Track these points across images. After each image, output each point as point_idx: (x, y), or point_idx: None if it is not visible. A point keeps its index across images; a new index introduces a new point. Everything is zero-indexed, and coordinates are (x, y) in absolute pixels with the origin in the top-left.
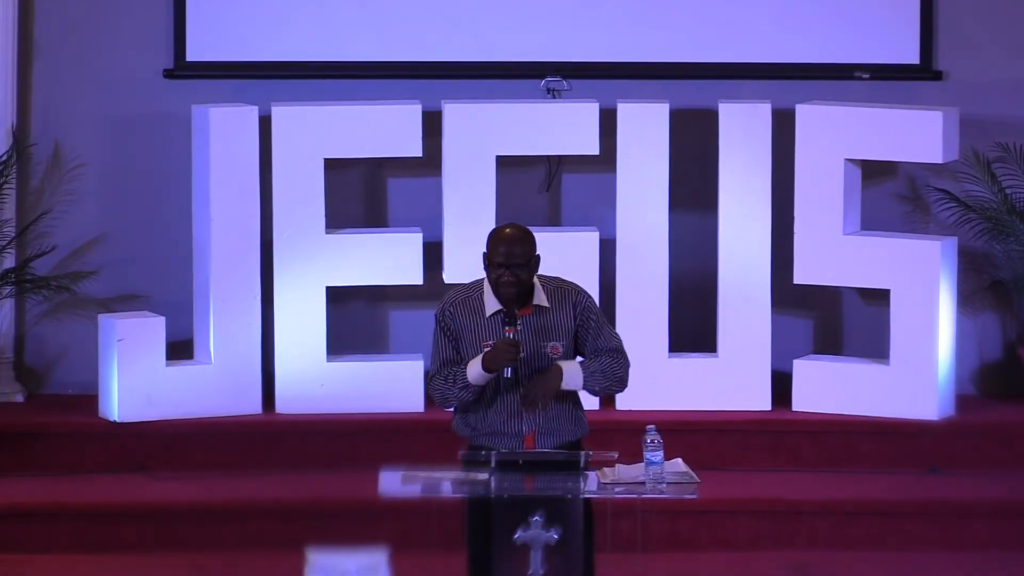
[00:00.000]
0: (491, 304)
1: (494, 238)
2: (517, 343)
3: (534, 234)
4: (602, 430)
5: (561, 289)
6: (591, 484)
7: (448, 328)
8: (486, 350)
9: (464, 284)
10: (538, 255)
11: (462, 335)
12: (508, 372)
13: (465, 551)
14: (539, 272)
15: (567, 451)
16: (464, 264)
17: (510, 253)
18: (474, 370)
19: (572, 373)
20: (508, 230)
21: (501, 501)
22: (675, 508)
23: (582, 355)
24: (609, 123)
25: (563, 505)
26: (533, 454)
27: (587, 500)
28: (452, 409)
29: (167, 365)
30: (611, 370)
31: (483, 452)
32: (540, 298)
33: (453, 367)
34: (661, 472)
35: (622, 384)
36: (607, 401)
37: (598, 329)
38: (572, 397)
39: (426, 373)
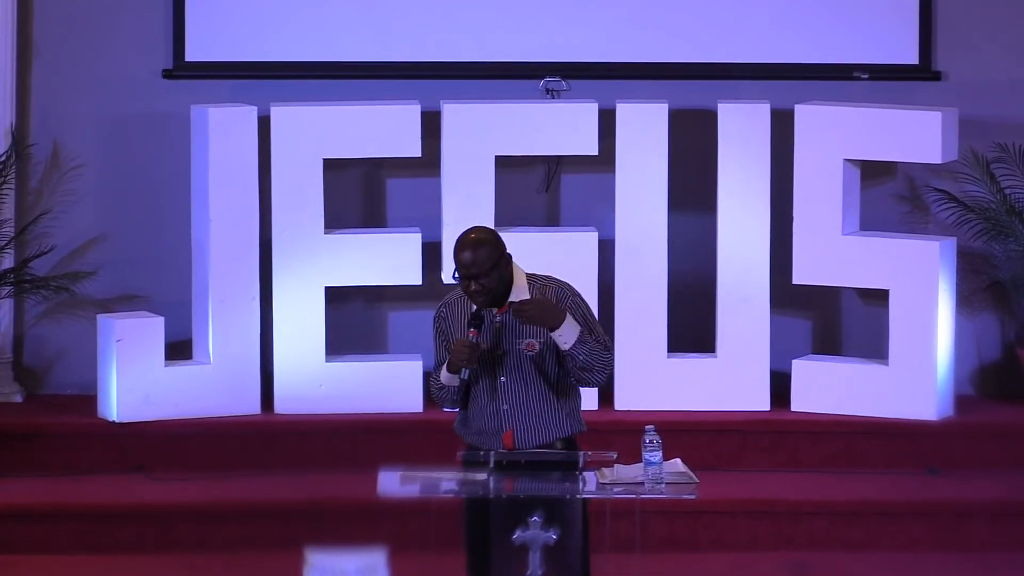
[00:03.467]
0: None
1: (456, 247)
2: (475, 344)
3: (499, 234)
4: (601, 430)
5: (545, 288)
6: (590, 485)
7: (441, 329)
8: None
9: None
10: (507, 255)
11: (452, 335)
12: (465, 373)
13: (464, 553)
14: (532, 271)
15: (567, 451)
16: None
17: (471, 262)
18: (443, 370)
19: (570, 325)
20: (472, 236)
21: (500, 502)
22: (674, 508)
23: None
24: (608, 123)
25: (561, 505)
26: (533, 454)
27: (584, 501)
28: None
29: (166, 365)
30: (599, 352)
31: (482, 452)
32: (521, 296)
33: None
34: (660, 472)
35: (600, 375)
36: (606, 401)
37: (583, 324)
38: (558, 394)
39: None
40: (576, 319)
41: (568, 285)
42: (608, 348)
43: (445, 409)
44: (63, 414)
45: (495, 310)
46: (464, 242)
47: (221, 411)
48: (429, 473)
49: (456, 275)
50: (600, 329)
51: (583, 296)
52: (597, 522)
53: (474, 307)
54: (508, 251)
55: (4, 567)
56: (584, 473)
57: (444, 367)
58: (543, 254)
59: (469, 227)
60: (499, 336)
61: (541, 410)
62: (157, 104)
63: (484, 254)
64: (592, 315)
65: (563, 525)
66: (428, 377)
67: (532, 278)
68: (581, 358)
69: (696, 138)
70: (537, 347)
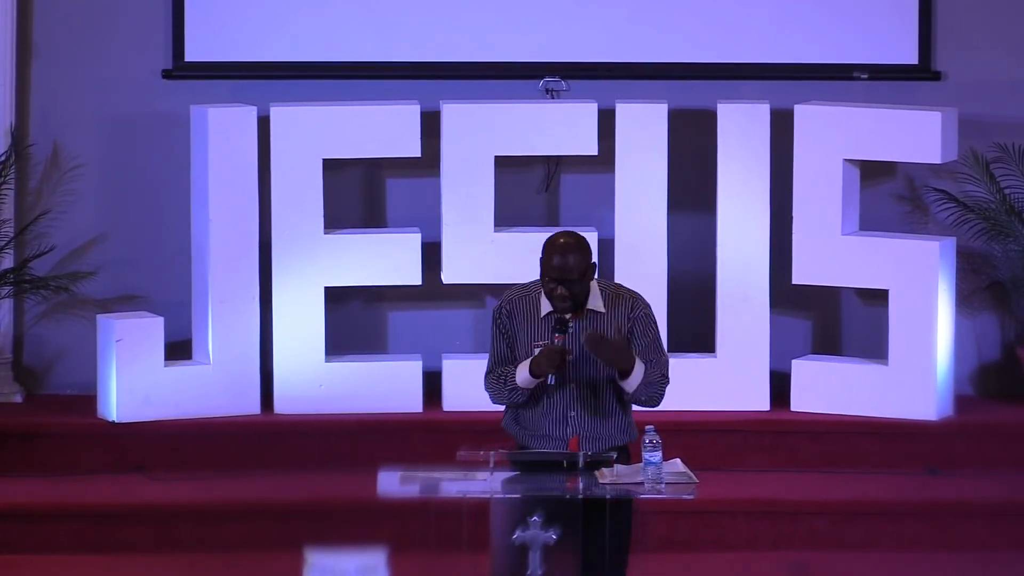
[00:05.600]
0: (547, 305)
1: (548, 249)
2: (563, 350)
3: (588, 242)
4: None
5: (619, 296)
6: (589, 484)
7: (504, 326)
8: (535, 354)
9: (523, 283)
10: (594, 263)
11: (517, 334)
12: (552, 379)
13: (492, 551)
14: (599, 279)
15: (565, 452)
16: (463, 264)
17: (563, 267)
18: (522, 374)
19: (639, 371)
20: (562, 240)
21: (503, 502)
22: (674, 508)
23: None
24: (607, 123)
25: (562, 505)
26: (532, 454)
27: (629, 501)
28: (503, 407)
29: (166, 365)
30: (659, 386)
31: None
32: (596, 303)
33: (506, 366)
34: (660, 472)
35: (656, 403)
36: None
37: (647, 340)
38: (621, 404)
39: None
40: (637, 328)
41: (636, 296)
42: (665, 375)
43: (498, 404)
44: (63, 414)
45: (568, 315)
46: (557, 246)
47: (221, 411)
48: (429, 473)
49: (542, 276)
50: (661, 348)
51: (650, 308)
52: (596, 523)
53: (546, 309)
54: (596, 264)
55: (4, 567)
56: (585, 472)
57: (522, 369)
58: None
59: (560, 231)
60: (573, 342)
61: (606, 418)
62: (157, 104)
63: (576, 260)
64: (658, 332)
65: (564, 525)
66: (486, 375)
67: (603, 285)
68: (643, 398)
69: (696, 138)
70: None
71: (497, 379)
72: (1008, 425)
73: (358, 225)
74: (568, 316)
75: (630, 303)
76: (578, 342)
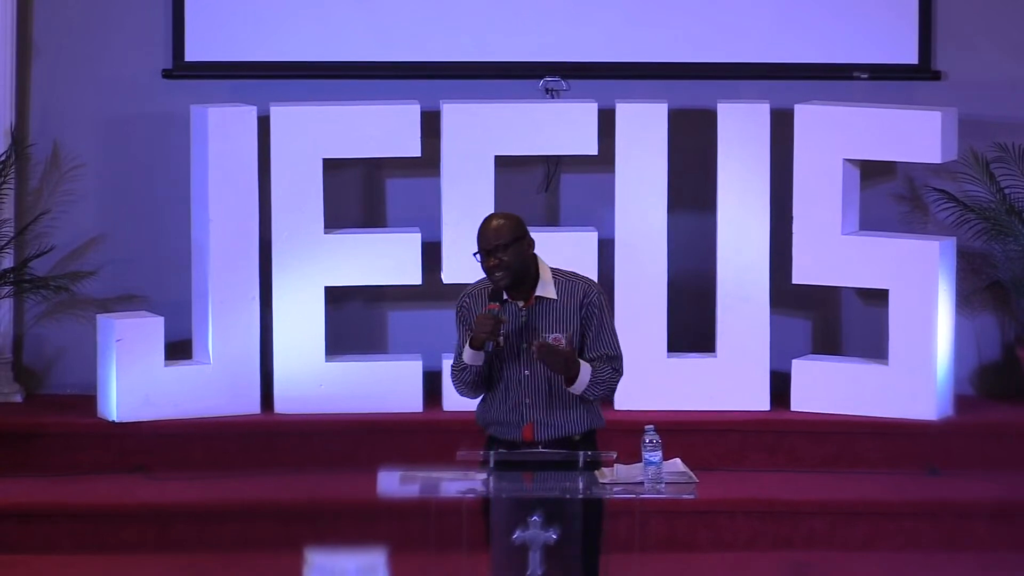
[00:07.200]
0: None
1: (479, 229)
2: (497, 317)
3: (520, 219)
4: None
5: (572, 282)
6: (588, 484)
7: (464, 318)
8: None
9: (484, 277)
10: (530, 240)
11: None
12: (490, 346)
13: (490, 551)
14: (557, 267)
15: (566, 451)
16: (463, 264)
17: (491, 235)
18: (467, 350)
19: (583, 377)
20: (492, 215)
21: (500, 501)
22: (673, 508)
23: (581, 352)
24: (608, 123)
25: (561, 505)
26: (532, 454)
27: (599, 500)
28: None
29: (166, 365)
30: (609, 382)
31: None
32: (547, 290)
33: None
34: (660, 472)
35: (612, 394)
36: (605, 401)
37: (599, 329)
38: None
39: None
40: (592, 318)
41: (594, 283)
42: (616, 369)
43: (463, 396)
44: (63, 414)
45: (520, 303)
46: (485, 219)
47: (221, 411)
48: (429, 473)
49: (478, 256)
50: (611, 335)
51: (607, 296)
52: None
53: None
54: (532, 240)
55: (4, 567)
56: (584, 472)
57: (467, 345)
58: (543, 254)
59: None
60: (524, 329)
61: (563, 405)
62: (157, 104)
63: (504, 228)
64: (609, 317)
65: (563, 525)
66: (452, 369)
67: (557, 273)
68: (591, 397)
69: (696, 138)
70: (563, 341)
71: (455, 366)
72: (1008, 425)
73: (358, 225)
74: (521, 304)
75: (583, 289)
76: (531, 330)
